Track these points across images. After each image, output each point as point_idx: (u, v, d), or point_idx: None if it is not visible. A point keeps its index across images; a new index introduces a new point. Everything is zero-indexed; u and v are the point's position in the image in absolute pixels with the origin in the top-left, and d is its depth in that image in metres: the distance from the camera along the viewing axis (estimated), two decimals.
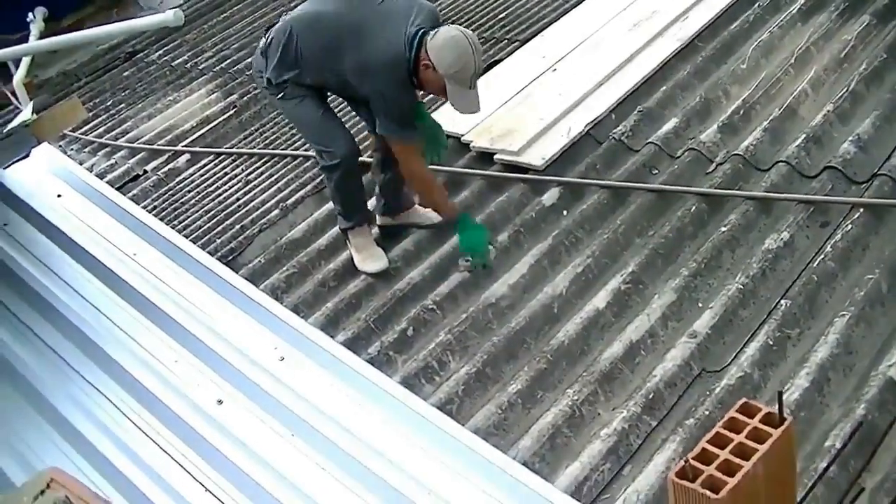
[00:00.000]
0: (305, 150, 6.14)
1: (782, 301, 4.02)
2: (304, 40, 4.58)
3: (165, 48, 8.70)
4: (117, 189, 6.01)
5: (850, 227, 4.28)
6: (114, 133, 7.43)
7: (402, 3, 4.51)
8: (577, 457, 3.61)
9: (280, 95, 4.74)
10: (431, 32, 4.35)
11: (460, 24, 7.15)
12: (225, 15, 9.07)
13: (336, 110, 5.06)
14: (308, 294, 4.86)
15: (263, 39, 4.77)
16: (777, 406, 2.47)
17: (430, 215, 5.06)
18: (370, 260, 4.92)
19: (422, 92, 4.67)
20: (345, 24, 4.49)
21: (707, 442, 2.47)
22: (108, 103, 8.04)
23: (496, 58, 6.45)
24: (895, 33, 5.51)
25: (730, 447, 2.44)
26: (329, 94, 4.86)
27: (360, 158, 4.95)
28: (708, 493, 2.36)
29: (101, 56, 9.04)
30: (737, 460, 2.41)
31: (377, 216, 5.18)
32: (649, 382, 3.80)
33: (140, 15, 9.22)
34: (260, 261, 5.22)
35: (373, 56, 4.40)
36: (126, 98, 8.05)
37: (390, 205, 5.14)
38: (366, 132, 5.42)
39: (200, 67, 8.12)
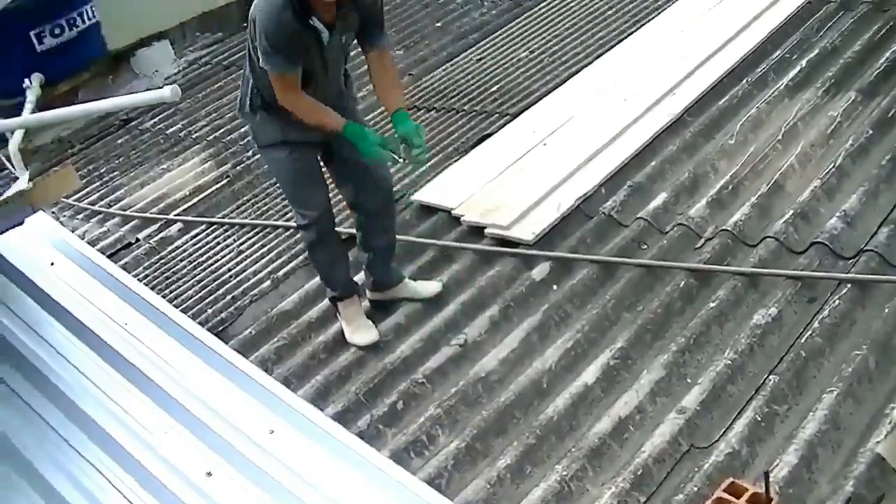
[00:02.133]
0: None
1: (770, 377, 4.03)
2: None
3: (160, 116, 8.76)
4: (109, 256, 6.06)
5: (837, 302, 4.30)
6: (107, 200, 7.47)
7: None
8: None
9: (259, 143, 4.77)
10: None
11: (453, 97, 7.30)
12: (219, 84, 9.14)
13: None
14: (298, 366, 4.87)
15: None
16: (764, 485, 2.49)
17: (421, 290, 5.08)
18: (360, 332, 4.89)
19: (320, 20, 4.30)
20: None
21: None
22: (102, 170, 8.09)
23: (487, 131, 6.51)
24: (881, 109, 5.58)
25: None
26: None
27: (340, 230, 5.05)
28: None
29: (96, 123, 9.08)
30: None
31: (367, 291, 5.17)
32: (638, 458, 3.80)
33: (135, 83, 9.32)
34: (250, 332, 5.23)
35: None
36: (119, 166, 8.10)
37: (378, 281, 5.12)
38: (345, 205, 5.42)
39: (194, 136, 8.17)
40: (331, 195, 4.89)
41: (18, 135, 7.63)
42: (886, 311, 4.20)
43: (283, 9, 4.17)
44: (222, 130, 8.07)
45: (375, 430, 4.32)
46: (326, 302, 5.23)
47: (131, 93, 8.66)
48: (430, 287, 5.11)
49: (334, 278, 4.96)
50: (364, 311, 5.02)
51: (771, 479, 3.49)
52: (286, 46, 4.25)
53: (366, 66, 4.82)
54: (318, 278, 5.45)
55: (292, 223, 6.14)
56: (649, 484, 3.73)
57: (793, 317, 4.36)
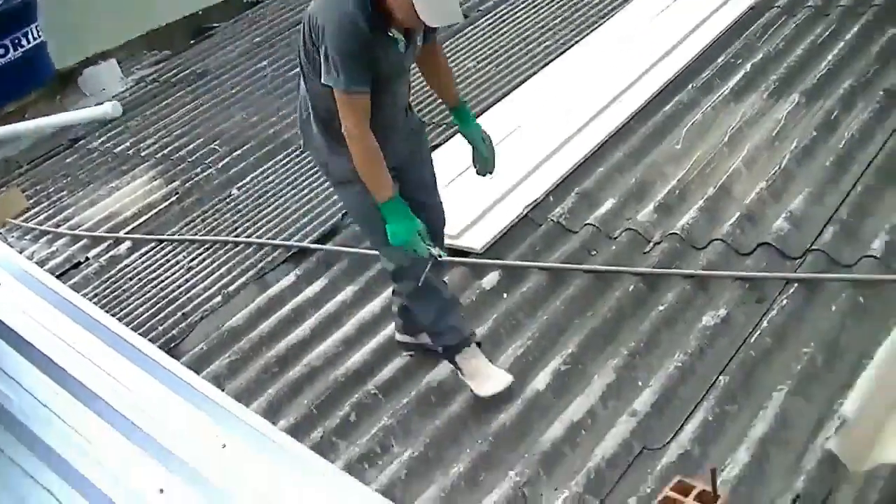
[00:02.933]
0: (247, 236, 6.18)
1: (720, 377, 4.06)
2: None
3: (107, 135, 8.69)
4: (58, 277, 6.02)
5: (785, 302, 4.34)
6: (55, 220, 7.41)
7: None
8: None
9: (333, 177, 4.23)
10: None
11: None
12: (167, 102, 9.10)
13: None
14: (250, 381, 4.84)
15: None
16: (711, 483, 2.51)
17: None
18: (489, 382, 4.30)
19: (396, 32, 3.89)
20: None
21: None
22: (50, 190, 8.02)
23: (435, 143, 6.51)
24: (824, 111, 5.64)
25: None
26: None
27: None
28: None
29: (43, 143, 9.00)
30: None
31: (397, 333, 4.75)
32: (591, 462, 3.81)
33: (82, 102, 9.28)
34: (202, 348, 5.20)
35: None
36: (67, 185, 8.03)
37: (412, 323, 4.62)
38: None
39: (142, 154, 8.12)
40: None
41: None
42: (833, 309, 4.24)
43: (358, 19, 3.75)
44: (170, 148, 8.04)
45: (328, 442, 4.30)
46: (278, 315, 5.23)
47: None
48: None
49: (448, 324, 4.33)
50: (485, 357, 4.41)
51: (723, 478, 3.52)
52: (359, 61, 3.79)
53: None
54: (268, 293, 5.46)
55: (242, 239, 6.14)
56: (602, 487, 3.74)
57: (742, 318, 4.38)
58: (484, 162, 4.44)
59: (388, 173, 3.97)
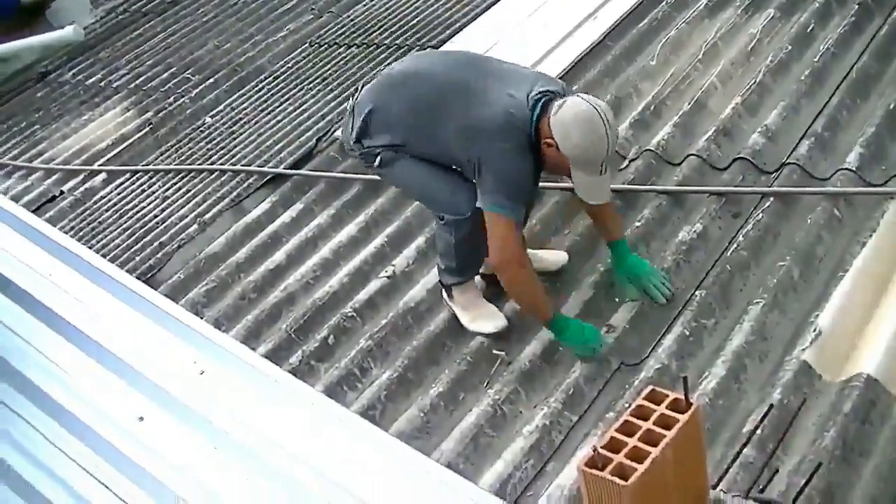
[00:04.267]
0: (221, 164, 6.15)
1: (697, 292, 4.06)
2: (398, 101, 4.01)
3: (78, 67, 8.63)
4: (33, 211, 5.99)
5: (761, 216, 4.34)
6: (28, 155, 7.39)
7: (523, 69, 4.09)
8: (501, 455, 3.61)
9: (376, 164, 4.10)
10: (558, 102, 3.69)
11: (374, 32, 7.25)
12: (138, 32, 9.03)
13: None
14: (228, 307, 4.85)
15: (352, 98, 4.20)
16: (683, 392, 2.51)
17: (547, 259, 4.45)
18: (483, 319, 4.25)
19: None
20: (450, 83, 3.91)
21: (615, 430, 2.50)
22: (22, 125, 7.98)
23: None
24: (799, 26, 5.60)
25: (638, 434, 2.48)
26: None
27: None
28: (617, 480, 2.39)
29: (13, 78, 8.90)
30: (645, 447, 2.45)
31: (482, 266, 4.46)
32: (569, 378, 3.83)
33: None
34: (179, 276, 5.20)
35: (485, 117, 3.75)
36: (40, 119, 7.99)
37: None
38: None
39: (114, 86, 8.08)
40: None
41: None
42: (809, 221, 4.24)
43: (528, 158, 3.78)
44: (143, 78, 7.99)
45: (308, 366, 4.31)
46: (255, 242, 5.22)
47: None
48: (556, 256, 4.49)
49: (471, 264, 4.24)
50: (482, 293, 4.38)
51: (700, 392, 3.54)
52: (528, 191, 3.92)
53: None
54: (244, 219, 5.45)
55: (217, 166, 6.11)
56: (581, 403, 3.76)
57: (717, 232, 4.38)
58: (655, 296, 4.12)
59: (543, 293, 4.00)
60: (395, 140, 3.98)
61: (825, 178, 4.49)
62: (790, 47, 5.43)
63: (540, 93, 3.74)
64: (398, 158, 4.02)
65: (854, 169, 4.42)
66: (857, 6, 5.61)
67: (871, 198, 4.33)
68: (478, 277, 4.36)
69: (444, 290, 4.33)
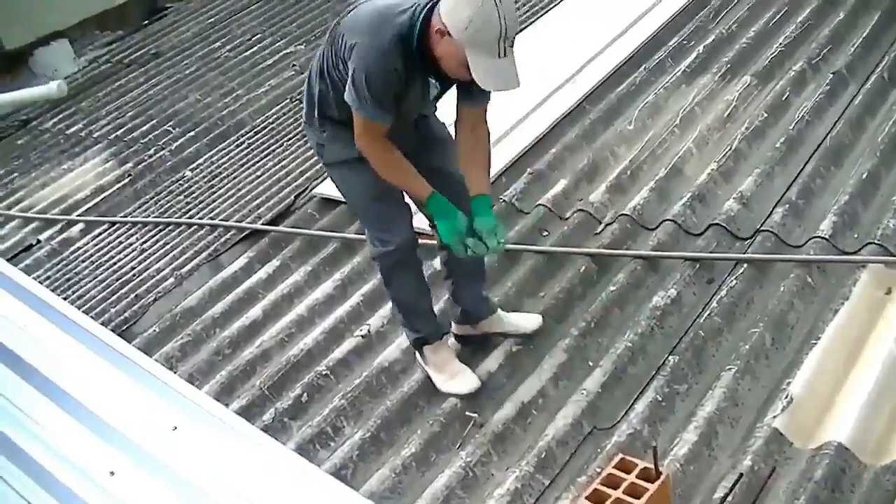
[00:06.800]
0: (199, 218, 6.16)
1: (670, 357, 4.08)
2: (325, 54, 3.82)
3: (60, 116, 8.63)
4: (9, 260, 5.96)
5: (734, 282, 4.37)
6: (6, 203, 7.36)
7: None
8: None
9: (327, 158, 4.06)
10: None
11: None
12: (119, 83, 9.04)
13: None
14: (203, 362, 4.84)
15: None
16: (653, 461, 2.53)
17: (520, 322, 4.44)
18: (457, 379, 4.23)
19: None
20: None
21: (586, 498, 2.52)
22: (1, 172, 7.94)
23: None
24: (775, 93, 5.67)
25: (608, 503, 2.49)
26: None
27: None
28: None
29: None
30: None
31: (453, 325, 4.51)
32: (541, 441, 3.83)
33: (33, 83, 9.17)
34: (155, 330, 5.19)
35: (358, 17, 3.66)
36: (19, 167, 7.97)
37: (468, 311, 4.43)
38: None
39: (95, 136, 8.07)
40: None
41: None
42: (782, 289, 4.28)
43: (394, 54, 3.56)
44: (123, 129, 7.99)
45: (280, 423, 4.31)
46: (231, 297, 5.22)
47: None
48: (530, 320, 4.45)
49: (419, 313, 4.26)
50: (455, 353, 4.38)
51: (671, 457, 3.55)
52: (387, 95, 3.64)
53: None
54: (221, 274, 5.45)
55: (195, 220, 6.12)
56: (553, 466, 3.76)
57: (691, 297, 4.42)
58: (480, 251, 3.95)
59: (416, 174, 3.87)
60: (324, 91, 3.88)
61: (799, 246, 4.53)
62: (766, 114, 5.49)
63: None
64: (348, 162, 3.94)
65: (827, 237, 4.46)
66: (831, 75, 5.69)
67: (844, 266, 4.37)
68: (452, 339, 4.40)
69: (416, 351, 4.34)
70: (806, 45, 6.17)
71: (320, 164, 6.00)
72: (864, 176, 4.80)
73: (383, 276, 4.21)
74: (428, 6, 3.55)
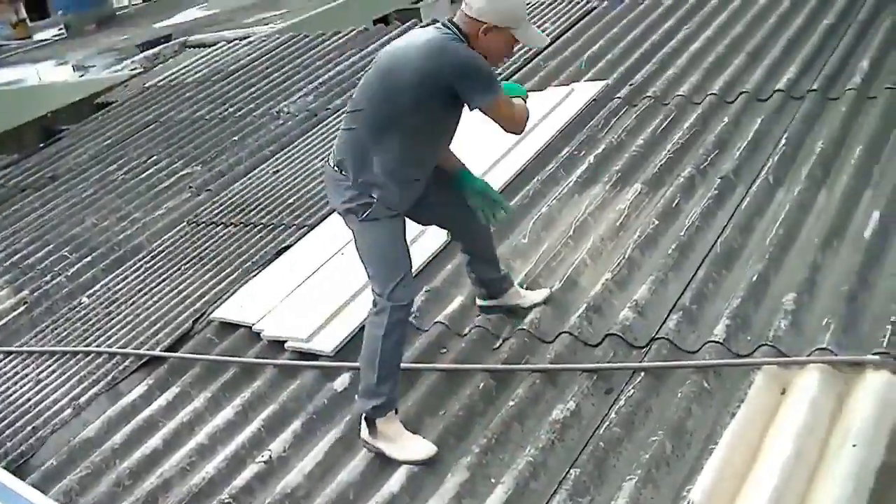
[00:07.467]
0: (97, 345, 6.10)
1: (571, 470, 4.08)
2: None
3: None
4: None
5: (632, 391, 4.40)
6: None
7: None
8: None
9: (372, 215, 4.33)
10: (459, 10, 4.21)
11: (251, 211, 7.32)
12: (15, 207, 8.99)
13: None
14: (103, 495, 4.76)
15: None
16: None
17: (532, 297, 5.15)
18: (413, 447, 4.39)
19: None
20: (378, 69, 4.29)
21: None
22: None
23: (286, 244, 6.54)
24: (665, 200, 5.78)
25: None
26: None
27: None
28: None
29: None
30: None
31: (478, 299, 5.22)
32: None
33: None
34: (53, 463, 5.10)
35: (411, 46, 4.19)
36: None
37: (489, 289, 5.14)
38: None
39: None
40: None
41: None
42: (679, 395, 4.31)
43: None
44: (19, 255, 7.95)
45: None
46: (130, 426, 5.16)
47: None
48: (540, 294, 5.17)
49: (394, 376, 4.42)
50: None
51: None
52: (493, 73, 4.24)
53: None
54: (120, 402, 5.39)
55: (93, 349, 6.06)
56: None
57: (590, 409, 4.43)
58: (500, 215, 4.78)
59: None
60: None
61: (694, 351, 4.58)
62: (657, 221, 5.59)
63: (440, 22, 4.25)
64: (388, 218, 4.34)
65: (721, 341, 4.52)
66: (719, 180, 5.81)
67: (740, 369, 4.41)
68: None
69: (367, 427, 4.43)
70: (693, 151, 6.32)
71: (218, 289, 6.03)
72: (755, 278, 4.89)
73: (387, 328, 4.33)
74: (446, 22, 4.21)
